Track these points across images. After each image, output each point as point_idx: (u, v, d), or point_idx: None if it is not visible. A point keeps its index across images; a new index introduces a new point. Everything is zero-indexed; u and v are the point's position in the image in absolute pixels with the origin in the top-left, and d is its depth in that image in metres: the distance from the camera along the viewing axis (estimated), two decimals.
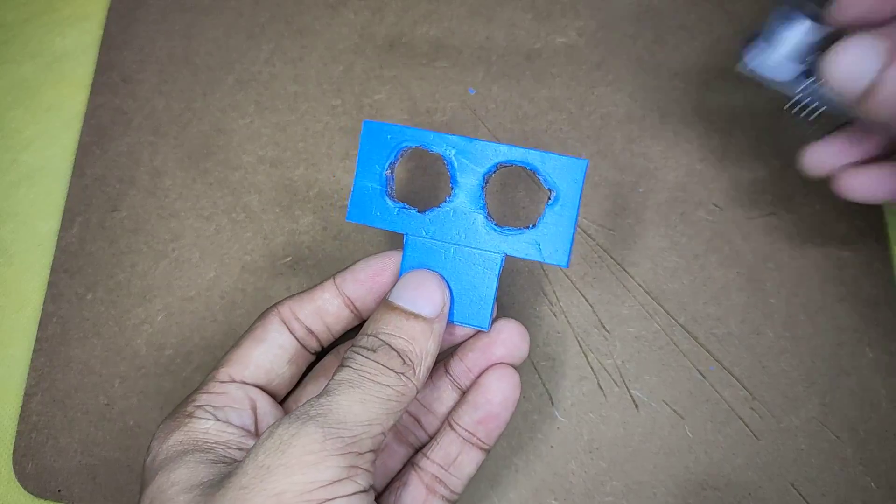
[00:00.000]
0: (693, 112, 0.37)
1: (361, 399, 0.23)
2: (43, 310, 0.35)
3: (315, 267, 0.35)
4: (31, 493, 0.32)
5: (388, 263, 0.28)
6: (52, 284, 0.35)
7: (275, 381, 0.28)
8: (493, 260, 0.27)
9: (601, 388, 0.33)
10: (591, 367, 0.33)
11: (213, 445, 0.24)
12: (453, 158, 0.27)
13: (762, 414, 0.32)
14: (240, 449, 0.25)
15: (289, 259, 0.35)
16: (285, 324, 0.28)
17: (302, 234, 0.36)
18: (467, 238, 0.27)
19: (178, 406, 0.26)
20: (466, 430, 0.28)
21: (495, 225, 0.27)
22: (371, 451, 0.23)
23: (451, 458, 0.28)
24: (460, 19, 0.40)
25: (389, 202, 0.28)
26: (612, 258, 0.35)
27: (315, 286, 0.28)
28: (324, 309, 0.28)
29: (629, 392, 0.32)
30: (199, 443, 0.24)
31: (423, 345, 0.25)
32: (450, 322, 0.27)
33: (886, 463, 0.31)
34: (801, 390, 0.32)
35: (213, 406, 0.26)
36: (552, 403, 0.32)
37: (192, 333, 0.34)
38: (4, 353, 0.34)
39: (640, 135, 0.37)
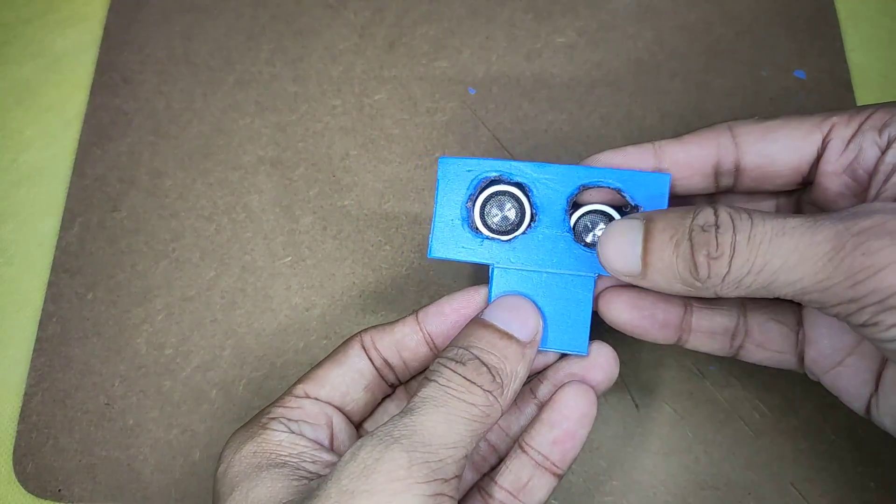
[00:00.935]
0: (693, 112, 0.37)
1: (446, 419, 0.22)
2: (43, 309, 0.35)
3: (315, 267, 0.35)
4: (32, 493, 0.32)
5: (473, 297, 0.27)
6: (52, 284, 0.35)
7: (349, 404, 0.27)
8: (586, 282, 0.26)
9: None
10: None
11: (287, 458, 0.24)
12: (534, 184, 0.27)
13: (762, 413, 0.32)
14: (314, 462, 0.24)
15: (289, 259, 0.35)
16: (366, 351, 0.27)
17: (302, 234, 0.36)
18: (557, 262, 0.26)
19: (252, 418, 0.26)
20: (540, 453, 0.26)
21: (583, 246, 0.26)
22: (456, 476, 0.22)
23: (522, 484, 0.26)
24: (460, 19, 0.40)
25: (472, 234, 0.27)
26: None
27: (398, 319, 0.28)
28: (402, 343, 0.27)
29: (629, 392, 0.32)
30: (273, 455, 0.24)
31: (514, 366, 0.24)
32: (545, 350, 0.26)
33: (885, 463, 0.31)
34: (800, 390, 0.32)
35: (288, 419, 0.25)
36: None
37: (192, 333, 0.34)
38: (4, 352, 0.34)
39: (640, 135, 0.37)
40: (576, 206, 0.27)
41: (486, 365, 0.23)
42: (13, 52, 0.41)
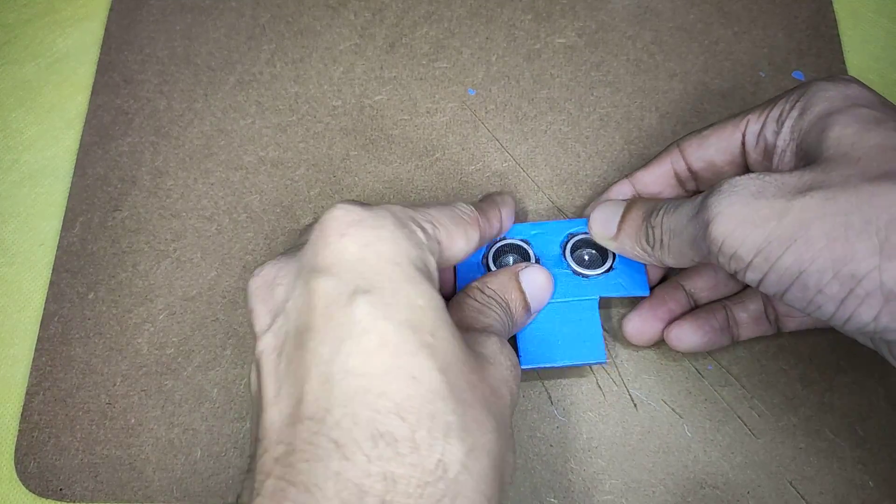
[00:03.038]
0: (692, 112, 0.38)
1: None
2: (45, 309, 0.35)
3: None
4: (33, 492, 0.32)
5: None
6: (53, 284, 0.35)
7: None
8: (591, 303, 0.32)
9: (600, 387, 0.33)
10: (590, 366, 0.33)
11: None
12: (533, 238, 0.32)
13: (760, 413, 0.32)
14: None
15: None
16: (479, 234, 0.29)
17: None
18: (564, 293, 0.32)
19: (402, 217, 0.25)
20: None
21: (581, 277, 0.32)
22: None
23: None
24: (460, 20, 0.40)
25: None
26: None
27: (486, 205, 0.30)
28: (490, 233, 0.30)
29: (628, 391, 0.33)
30: (435, 280, 0.25)
31: (521, 328, 0.31)
32: (570, 364, 0.31)
33: (884, 462, 0.31)
34: (798, 389, 0.32)
35: (432, 251, 0.26)
36: (551, 402, 0.33)
37: (193, 332, 0.34)
38: (6, 352, 0.35)
39: (639, 135, 0.37)
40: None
41: (514, 322, 0.29)
42: (14, 53, 0.41)
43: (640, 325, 0.32)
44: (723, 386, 0.32)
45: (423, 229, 0.25)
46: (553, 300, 0.31)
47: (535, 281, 0.30)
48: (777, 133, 0.28)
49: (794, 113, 0.27)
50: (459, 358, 0.23)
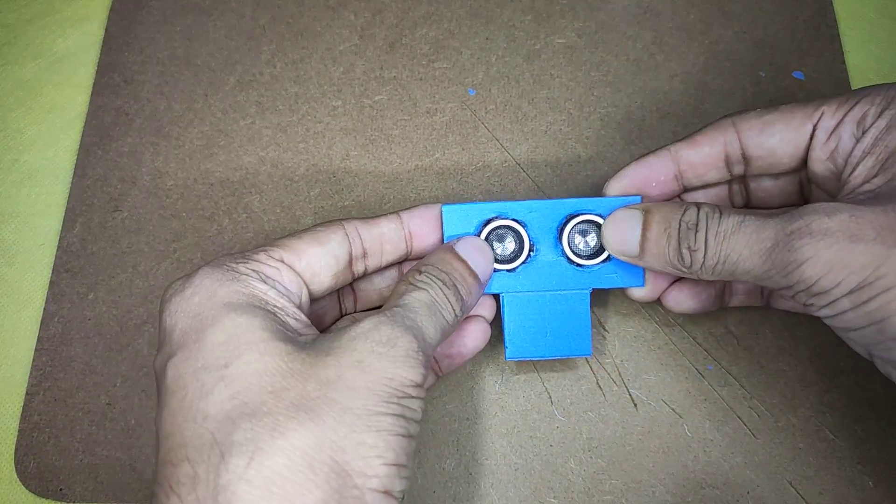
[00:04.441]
0: (692, 113, 0.38)
1: (433, 325, 0.26)
2: (45, 309, 0.35)
3: None
4: (33, 492, 0.32)
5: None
6: (53, 284, 0.35)
7: (314, 285, 0.28)
8: (583, 296, 0.30)
9: (600, 387, 0.33)
10: (590, 366, 0.33)
11: (276, 309, 0.25)
12: (528, 220, 0.30)
13: (760, 413, 0.32)
14: (296, 319, 0.26)
15: None
16: (348, 238, 0.29)
17: None
18: (556, 283, 0.30)
19: (219, 262, 0.26)
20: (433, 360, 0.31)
21: (576, 266, 0.30)
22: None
23: None
24: (460, 20, 0.40)
25: None
26: None
27: (379, 216, 0.30)
28: (387, 236, 0.30)
29: (628, 391, 0.33)
30: (263, 301, 0.25)
31: (474, 300, 0.28)
32: (556, 357, 0.30)
33: (884, 462, 0.31)
34: (798, 389, 0.32)
35: (266, 276, 0.26)
36: (551, 402, 0.33)
37: None
38: (6, 352, 0.35)
39: (640, 136, 0.37)
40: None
41: (461, 295, 0.28)
42: (15, 53, 0.41)
43: (681, 296, 0.31)
44: (723, 386, 0.32)
45: (247, 260, 0.26)
46: (545, 291, 0.30)
47: (472, 247, 0.29)
48: (857, 139, 0.26)
49: (882, 123, 0.25)
50: (267, 370, 0.23)
